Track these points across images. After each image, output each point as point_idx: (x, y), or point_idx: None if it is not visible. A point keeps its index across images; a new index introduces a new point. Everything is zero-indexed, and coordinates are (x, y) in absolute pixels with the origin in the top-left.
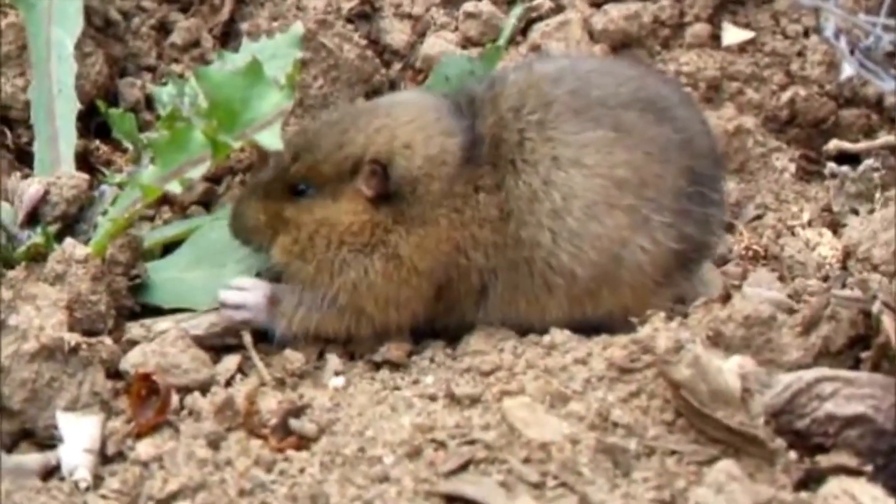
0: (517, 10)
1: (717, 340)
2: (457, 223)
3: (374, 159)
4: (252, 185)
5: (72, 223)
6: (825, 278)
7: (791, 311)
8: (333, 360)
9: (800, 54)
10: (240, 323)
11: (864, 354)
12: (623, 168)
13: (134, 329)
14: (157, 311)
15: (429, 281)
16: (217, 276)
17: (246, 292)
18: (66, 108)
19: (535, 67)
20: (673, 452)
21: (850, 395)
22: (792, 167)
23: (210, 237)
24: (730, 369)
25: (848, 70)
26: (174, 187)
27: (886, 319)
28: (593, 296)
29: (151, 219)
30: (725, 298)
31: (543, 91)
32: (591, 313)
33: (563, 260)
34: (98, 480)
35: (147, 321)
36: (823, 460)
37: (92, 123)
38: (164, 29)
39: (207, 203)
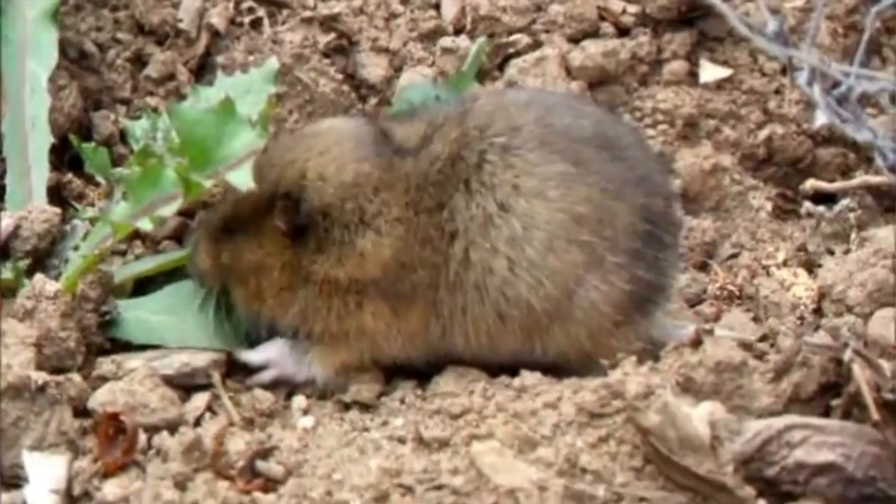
0: (481, 39)
1: (687, 386)
2: (392, 241)
3: (286, 193)
4: (201, 224)
5: (43, 258)
6: (800, 319)
7: (759, 356)
8: (302, 400)
9: (777, 92)
10: (277, 381)
11: (834, 402)
12: (583, 204)
13: (104, 365)
14: (128, 347)
15: (376, 287)
16: (188, 323)
17: (265, 352)
18: (40, 142)
19: (508, 94)
20: (641, 499)
21: (820, 442)
22: (768, 206)
23: (193, 291)
24: (699, 416)
25: (821, 118)
26: (145, 224)
27: (857, 367)
28: (544, 332)
29: (123, 253)
30: (696, 343)
31: (512, 115)
32: (542, 351)
33: (520, 290)
34: None
35: (118, 357)
36: None
37: (65, 156)
38: (139, 61)
39: (180, 238)
